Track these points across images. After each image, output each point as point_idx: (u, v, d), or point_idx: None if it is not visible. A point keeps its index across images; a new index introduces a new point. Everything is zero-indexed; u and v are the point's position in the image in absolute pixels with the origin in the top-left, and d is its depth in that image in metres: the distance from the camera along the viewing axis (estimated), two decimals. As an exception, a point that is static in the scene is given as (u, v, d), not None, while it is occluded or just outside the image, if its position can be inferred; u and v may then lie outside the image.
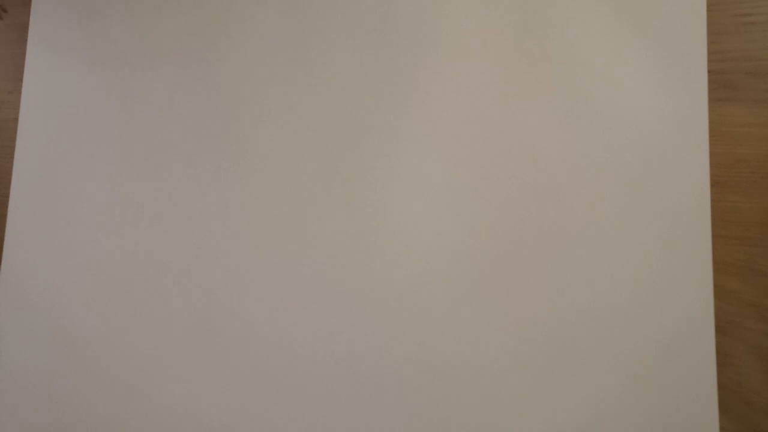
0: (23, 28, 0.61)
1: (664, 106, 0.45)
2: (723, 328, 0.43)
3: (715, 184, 0.44)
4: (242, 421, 0.49)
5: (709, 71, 0.45)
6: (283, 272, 0.50)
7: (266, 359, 0.50)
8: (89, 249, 0.55)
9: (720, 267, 0.43)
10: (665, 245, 0.44)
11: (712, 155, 0.44)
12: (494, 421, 0.45)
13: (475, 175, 0.48)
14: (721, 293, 0.43)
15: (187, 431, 0.51)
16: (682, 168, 0.45)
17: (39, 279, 0.56)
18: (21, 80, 0.60)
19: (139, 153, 0.55)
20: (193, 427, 0.50)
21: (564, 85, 0.47)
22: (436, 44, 0.50)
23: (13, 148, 0.59)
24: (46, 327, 0.55)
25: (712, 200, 0.44)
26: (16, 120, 0.60)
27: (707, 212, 0.44)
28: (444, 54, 0.49)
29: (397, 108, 0.50)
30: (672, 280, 0.44)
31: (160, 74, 0.56)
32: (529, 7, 0.48)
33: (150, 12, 0.57)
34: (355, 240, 0.49)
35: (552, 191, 0.46)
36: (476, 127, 0.48)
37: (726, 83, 0.44)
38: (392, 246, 0.48)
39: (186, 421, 0.51)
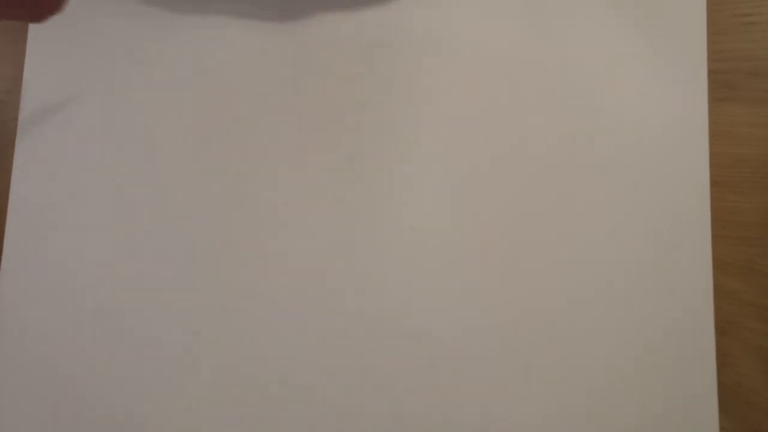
0: (23, 28, 0.61)
1: (664, 106, 0.45)
2: (723, 328, 0.42)
3: (715, 184, 0.44)
4: (242, 422, 0.49)
5: (709, 71, 0.45)
6: (285, 270, 0.50)
7: (270, 358, 0.50)
8: (89, 249, 0.55)
9: (720, 267, 0.43)
10: (665, 245, 0.44)
11: (712, 155, 0.44)
12: (491, 420, 0.45)
13: (474, 174, 0.48)
14: (721, 293, 0.43)
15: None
16: (682, 168, 0.45)
17: (39, 279, 0.56)
18: (21, 80, 0.60)
19: (139, 153, 0.55)
20: (195, 428, 0.50)
21: (563, 85, 0.47)
22: (436, 43, 0.50)
23: (12, 148, 0.59)
24: (46, 327, 0.55)
25: (712, 200, 0.44)
26: (15, 120, 0.60)
27: (707, 212, 0.44)
28: (445, 54, 0.49)
29: (397, 109, 0.50)
30: (672, 280, 0.44)
31: (160, 74, 0.56)
32: (529, 7, 0.48)
33: (150, 11, 0.57)
34: (356, 239, 0.49)
35: (551, 191, 0.46)
36: (476, 126, 0.48)
37: (726, 83, 0.44)
38: (392, 245, 0.48)
39: (188, 421, 0.51)
